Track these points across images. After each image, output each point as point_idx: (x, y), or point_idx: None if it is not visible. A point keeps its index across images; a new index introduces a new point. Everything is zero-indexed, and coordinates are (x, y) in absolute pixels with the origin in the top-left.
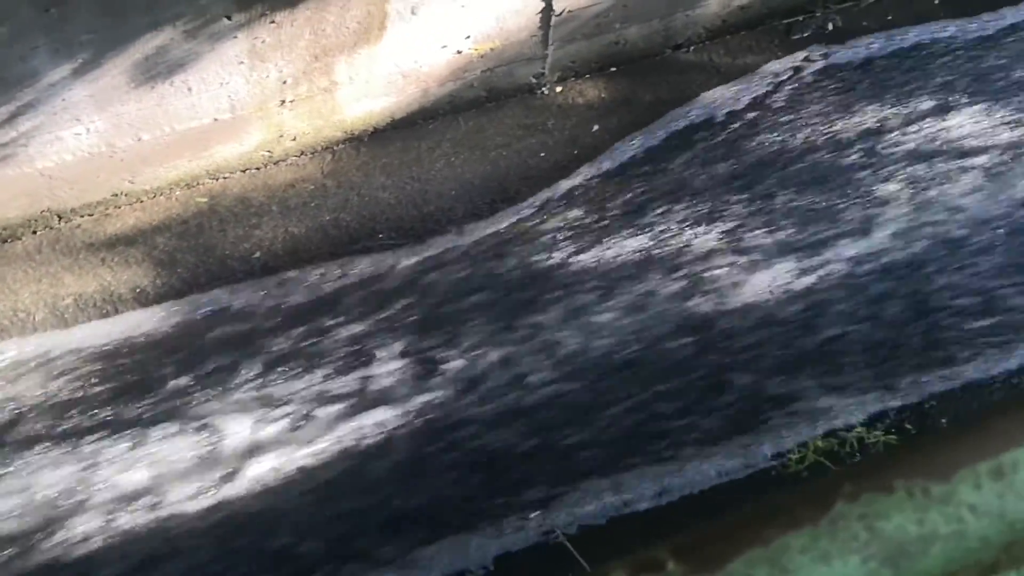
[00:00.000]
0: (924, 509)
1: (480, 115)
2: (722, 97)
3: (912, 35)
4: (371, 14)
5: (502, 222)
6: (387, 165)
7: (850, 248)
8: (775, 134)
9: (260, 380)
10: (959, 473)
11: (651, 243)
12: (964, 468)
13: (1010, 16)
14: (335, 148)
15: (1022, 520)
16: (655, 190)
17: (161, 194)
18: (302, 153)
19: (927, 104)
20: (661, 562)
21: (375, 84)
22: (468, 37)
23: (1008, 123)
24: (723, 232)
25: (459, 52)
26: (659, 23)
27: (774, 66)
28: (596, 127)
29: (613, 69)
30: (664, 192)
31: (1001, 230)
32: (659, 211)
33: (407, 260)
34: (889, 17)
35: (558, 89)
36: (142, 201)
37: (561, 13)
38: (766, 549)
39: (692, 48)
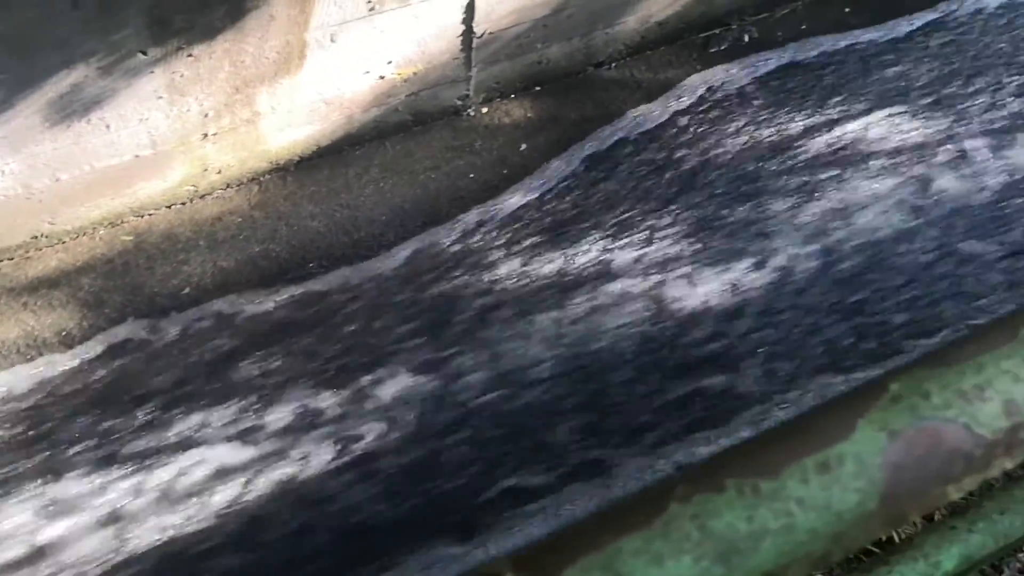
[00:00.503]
0: (754, 506)
1: (407, 139)
2: (646, 112)
3: (825, 44)
4: (290, 44)
5: (433, 245)
6: (315, 193)
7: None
8: (698, 147)
9: (190, 419)
10: (787, 469)
11: (581, 260)
12: (792, 464)
13: (918, 20)
14: (261, 179)
15: (849, 510)
16: (584, 207)
17: (84, 234)
18: (228, 186)
19: (840, 110)
20: (500, 574)
21: (298, 113)
22: (390, 62)
23: (918, 122)
24: (650, 246)
25: (382, 77)
26: (580, 42)
27: (694, 79)
28: (524, 146)
29: (537, 88)
30: (593, 209)
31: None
32: (588, 228)
33: (338, 287)
34: (803, 27)
35: (484, 110)
36: (64, 242)
37: (482, 35)
38: (600, 554)
39: (614, 65)
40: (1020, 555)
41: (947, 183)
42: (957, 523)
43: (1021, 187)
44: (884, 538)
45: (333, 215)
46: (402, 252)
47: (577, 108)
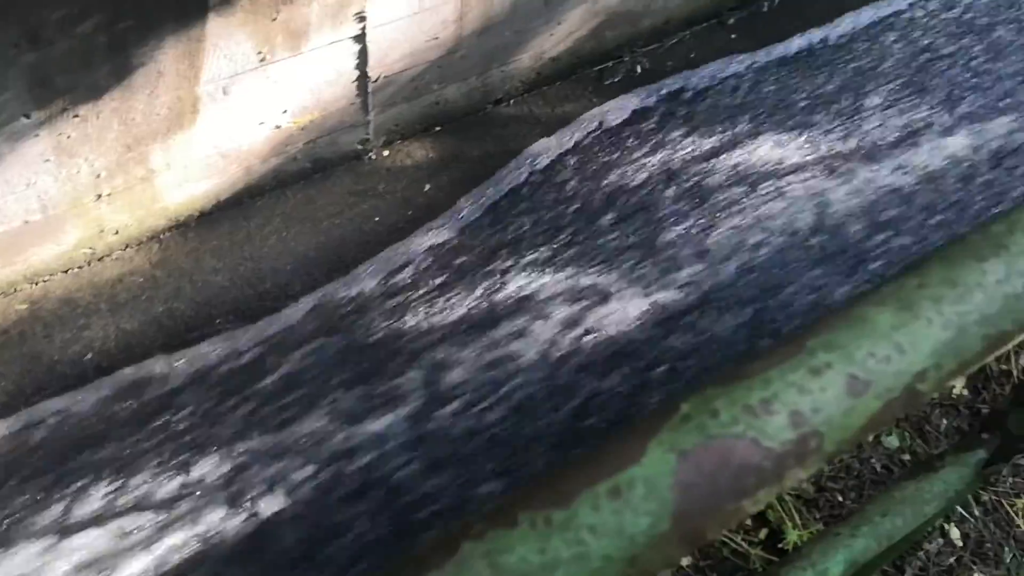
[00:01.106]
0: (546, 538)
1: (308, 187)
2: (547, 146)
3: (713, 70)
4: (181, 99)
5: (341, 292)
6: (218, 248)
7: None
8: (600, 177)
9: (95, 494)
10: (579, 498)
11: (494, 296)
12: (584, 492)
13: (796, 42)
14: (161, 237)
15: (642, 533)
16: (493, 243)
17: None
18: (127, 246)
19: (733, 133)
20: None
21: (195, 168)
22: (285, 111)
23: (806, 143)
24: (561, 277)
25: (278, 127)
26: (476, 80)
27: (592, 111)
28: (428, 186)
29: (438, 128)
30: (502, 244)
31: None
32: (498, 264)
33: (247, 342)
34: (692, 55)
35: (385, 153)
36: None
37: (377, 79)
38: None
39: (512, 102)
40: (920, 554)
41: (834, 202)
42: (841, 529)
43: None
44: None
45: (237, 269)
46: (309, 301)
47: (479, 145)
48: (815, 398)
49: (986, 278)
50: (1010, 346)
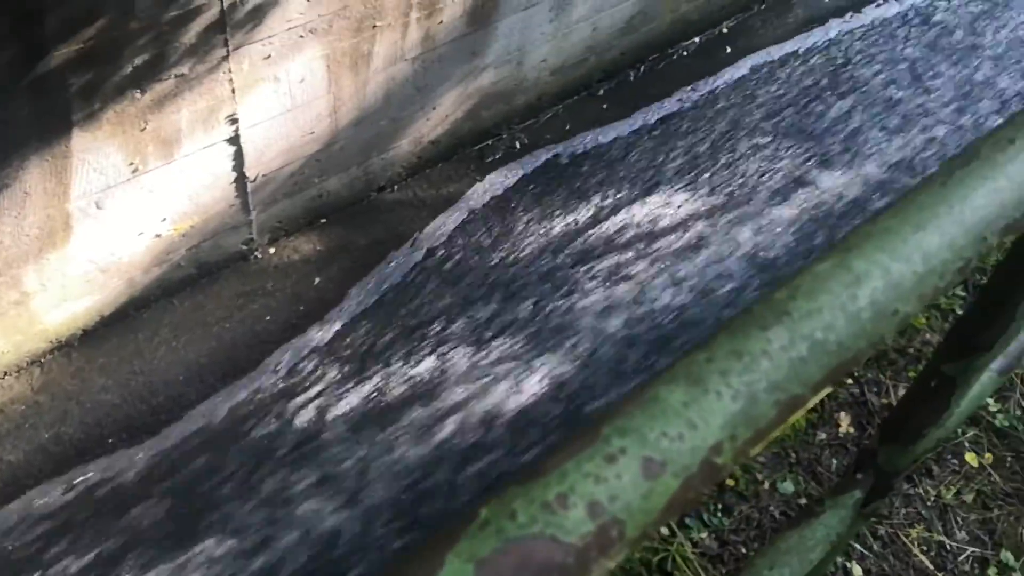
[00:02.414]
0: None
1: (195, 292)
2: (434, 228)
3: (588, 139)
4: (51, 217)
5: (237, 395)
6: (105, 365)
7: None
8: (489, 253)
9: None
10: None
11: (391, 384)
12: None
13: (667, 107)
14: (43, 360)
15: None
16: (387, 330)
17: None
18: (6, 374)
19: (611, 199)
20: None
21: (73, 285)
22: (164, 219)
23: (680, 203)
24: (458, 358)
25: (158, 236)
26: (357, 170)
27: (476, 189)
28: (318, 279)
29: (323, 221)
30: (396, 331)
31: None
32: (394, 351)
33: (141, 458)
34: (567, 127)
35: (271, 250)
36: None
37: (256, 179)
38: None
39: (396, 187)
40: None
41: (701, 263)
42: None
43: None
44: None
45: (127, 384)
46: (205, 410)
47: (366, 234)
48: (611, 486)
49: (771, 345)
50: (804, 410)
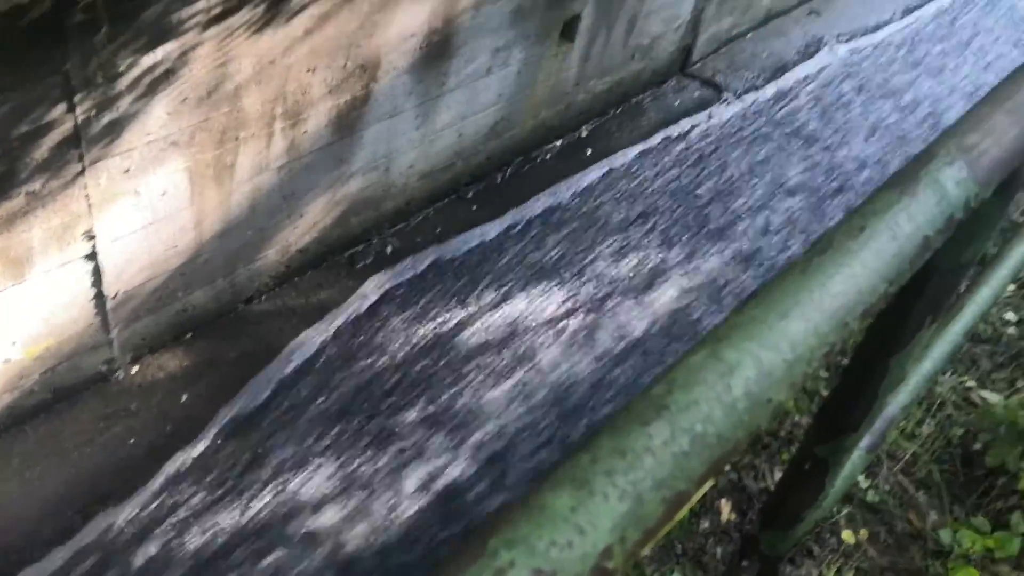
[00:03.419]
0: None
1: (51, 418)
2: (306, 337)
3: (461, 241)
4: None
5: (99, 528)
6: None
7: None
8: (364, 359)
9: None
10: None
11: (261, 505)
12: None
13: (539, 205)
14: None
15: None
16: (258, 447)
17: None
18: None
19: (487, 298)
20: None
21: None
22: (14, 343)
23: (554, 299)
24: (335, 471)
25: (8, 360)
26: (224, 282)
27: (349, 296)
28: (185, 397)
29: (189, 336)
30: (269, 447)
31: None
32: (267, 468)
33: None
34: (438, 230)
35: (134, 369)
36: None
37: (116, 296)
38: None
39: (264, 298)
40: None
41: (585, 352)
42: None
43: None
44: None
45: None
46: (61, 552)
47: (235, 347)
48: None
49: (653, 441)
50: (690, 504)
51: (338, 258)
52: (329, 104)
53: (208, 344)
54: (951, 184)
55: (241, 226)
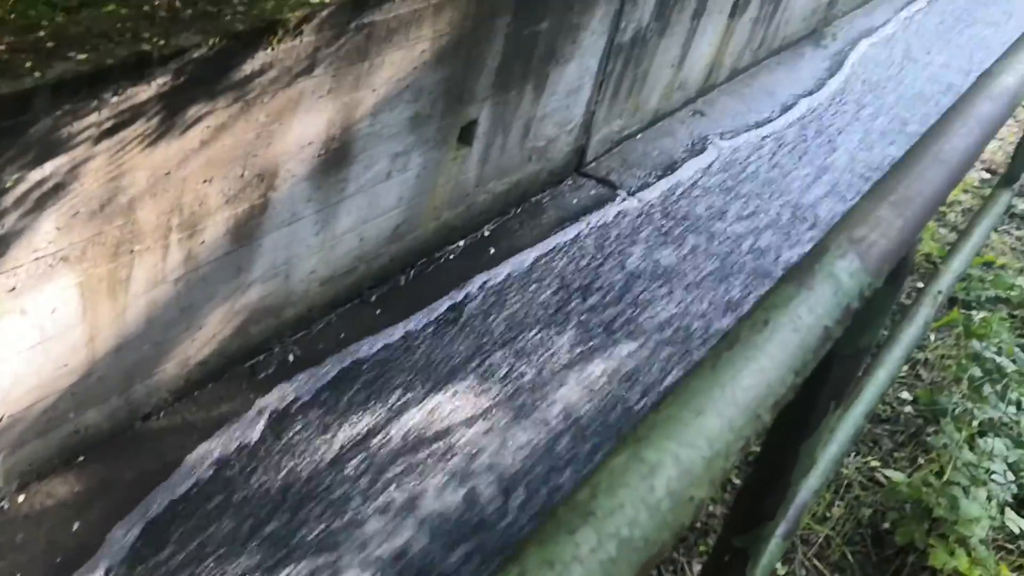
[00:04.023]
0: None
1: None
2: (207, 452)
3: (365, 346)
4: None
5: None
6: None
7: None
8: (270, 472)
9: None
10: None
11: None
12: None
13: (440, 307)
14: None
15: None
16: (157, 572)
17: None
18: None
19: (390, 404)
20: None
21: None
22: None
23: (460, 400)
24: None
25: None
26: (119, 399)
27: (250, 408)
28: (77, 524)
29: (82, 458)
30: (168, 571)
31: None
32: None
33: None
34: (342, 336)
35: (20, 499)
36: None
37: (1, 420)
38: None
39: (162, 413)
40: None
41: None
42: None
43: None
44: None
45: None
46: None
47: (131, 467)
48: None
49: (580, 550)
50: None
51: (239, 369)
52: (227, 214)
53: (102, 466)
54: (845, 276)
55: (137, 341)
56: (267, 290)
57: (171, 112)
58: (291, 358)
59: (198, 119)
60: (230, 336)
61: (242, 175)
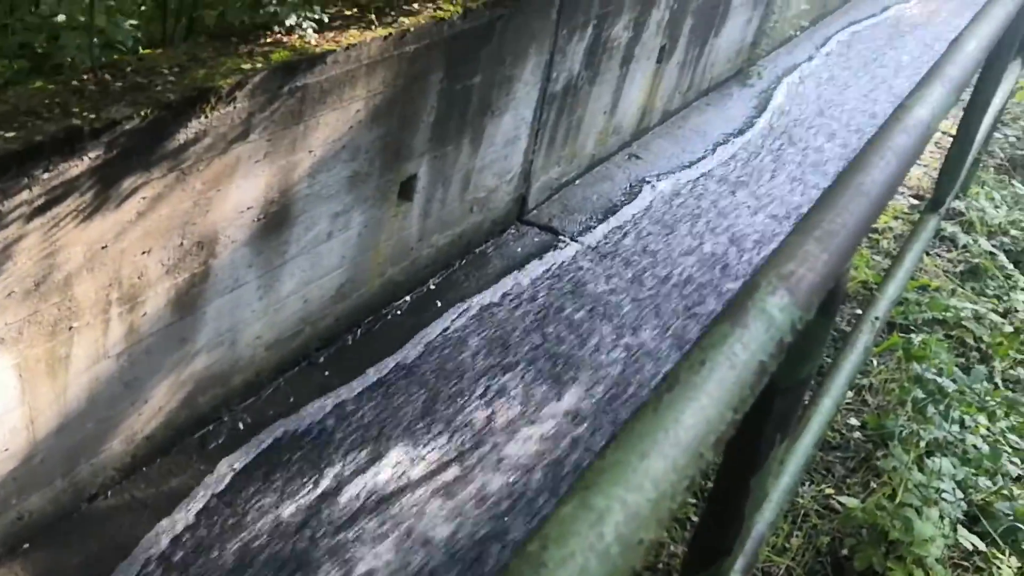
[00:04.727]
0: None
1: None
2: (157, 532)
3: (316, 408)
4: None
5: None
6: None
7: None
8: (226, 545)
9: None
10: None
11: None
12: None
13: (389, 363)
14: None
15: None
16: None
17: None
18: None
19: (346, 465)
20: None
21: None
22: None
23: (417, 456)
24: None
25: None
26: (63, 482)
27: (204, 479)
28: None
29: (27, 546)
30: None
31: None
32: None
33: None
34: (292, 399)
35: None
36: None
37: None
38: None
39: (110, 493)
40: None
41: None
42: None
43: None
44: None
45: None
46: None
47: (79, 552)
48: None
49: None
50: None
51: (189, 441)
52: (167, 284)
53: (48, 553)
54: (776, 311)
55: (80, 420)
56: (213, 358)
57: (105, 185)
58: (241, 426)
59: (133, 191)
60: (177, 408)
61: (181, 244)
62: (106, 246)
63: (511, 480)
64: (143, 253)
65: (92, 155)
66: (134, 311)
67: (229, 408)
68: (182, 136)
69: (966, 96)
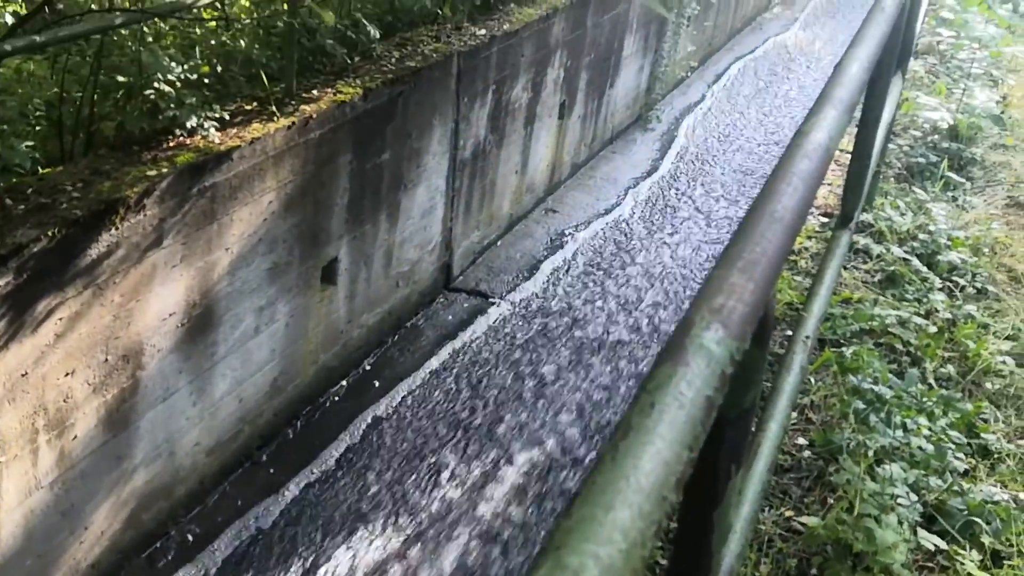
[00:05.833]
0: None
1: None
2: None
3: (263, 508)
4: None
5: None
6: None
7: None
8: None
9: None
10: None
11: None
12: None
13: (336, 451)
14: None
15: None
16: None
17: None
18: None
19: (306, 562)
20: None
21: None
22: None
23: (385, 545)
24: None
25: None
26: None
27: None
28: None
29: None
30: None
31: None
32: None
33: None
34: (239, 503)
35: None
36: None
37: None
38: None
39: None
40: None
41: None
42: None
43: None
44: None
45: None
46: None
47: None
48: None
49: None
50: None
51: (136, 562)
52: (96, 403)
53: None
54: (714, 345)
55: (17, 558)
56: (153, 472)
57: (19, 311)
58: (190, 538)
59: (49, 312)
60: (121, 529)
61: (106, 360)
62: (26, 373)
63: (465, 564)
64: (67, 375)
65: (1, 283)
66: (63, 436)
67: (175, 521)
68: (94, 251)
69: (857, 114)
